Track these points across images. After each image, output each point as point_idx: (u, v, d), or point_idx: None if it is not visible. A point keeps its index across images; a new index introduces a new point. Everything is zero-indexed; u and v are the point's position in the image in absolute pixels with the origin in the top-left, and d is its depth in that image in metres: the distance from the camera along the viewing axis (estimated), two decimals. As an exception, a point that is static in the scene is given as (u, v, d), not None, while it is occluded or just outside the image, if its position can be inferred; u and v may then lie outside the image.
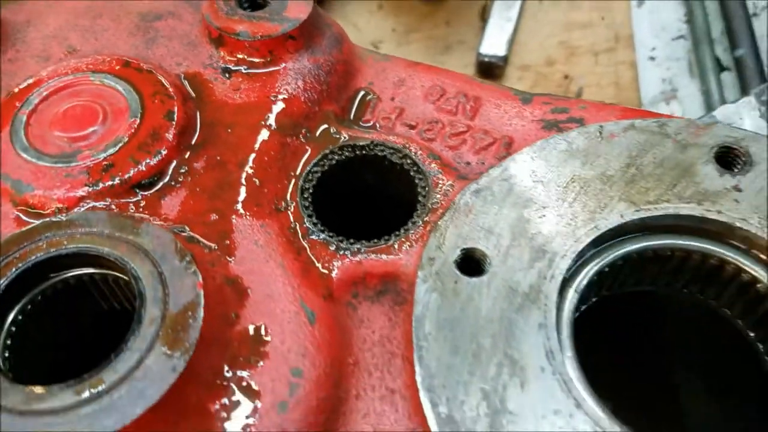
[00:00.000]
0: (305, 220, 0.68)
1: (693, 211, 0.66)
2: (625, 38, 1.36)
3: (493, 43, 1.33)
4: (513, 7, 1.39)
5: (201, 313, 0.53)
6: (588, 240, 0.65)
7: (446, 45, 1.40)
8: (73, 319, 0.61)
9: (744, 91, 1.20)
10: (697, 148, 0.70)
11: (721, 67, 1.28)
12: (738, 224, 0.65)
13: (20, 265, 0.56)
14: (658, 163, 0.69)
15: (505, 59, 1.34)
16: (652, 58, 1.32)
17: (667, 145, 0.70)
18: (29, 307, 0.57)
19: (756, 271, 0.65)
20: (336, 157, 0.72)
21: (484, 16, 1.41)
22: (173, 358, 0.51)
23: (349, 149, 0.73)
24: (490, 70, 1.33)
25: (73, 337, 0.61)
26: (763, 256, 0.64)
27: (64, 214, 0.60)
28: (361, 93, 0.80)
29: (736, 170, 0.69)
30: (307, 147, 0.72)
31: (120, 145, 0.67)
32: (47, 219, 0.59)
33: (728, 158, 0.69)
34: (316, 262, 0.65)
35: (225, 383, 0.53)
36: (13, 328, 0.57)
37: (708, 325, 0.76)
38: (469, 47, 1.38)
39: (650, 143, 0.71)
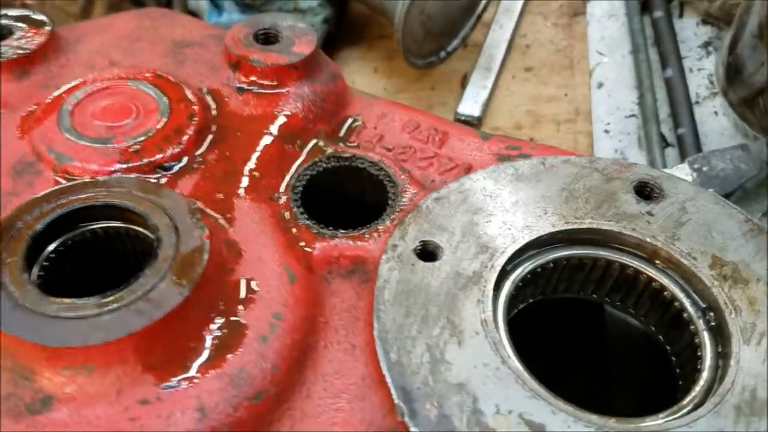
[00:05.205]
0: (294, 209, 0.82)
1: (612, 227, 0.80)
2: (584, 113, 1.55)
3: (470, 105, 1.52)
4: (489, 78, 1.60)
5: (206, 256, 0.66)
6: (524, 242, 0.78)
7: (429, 105, 1.58)
8: (91, 267, 0.73)
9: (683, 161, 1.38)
10: (620, 181, 0.85)
11: (666, 143, 1.47)
12: (648, 240, 0.79)
13: (59, 211, 0.69)
14: (587, 189, 0.84)
15: (479, 119, 1.52)
16: (607, 131, 1.51)
17: (595, 177, 0.85)
18: (61, 248, 0.70)
19: (662, 280, 0.79)
20: (323, 165, 0.87)
21: (464, 84, 1.61)
22: (181, 285, 0.63)
23: (335, 159, 0.88)
24: (465, 128, 1.52)
25: (89, 281, 0.73)
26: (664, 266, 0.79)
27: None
28: (350, 120, 0.96)
29: (650, 201, 0.84)
30: (300, 154, 0.87)
31: (149, 134, 0.81)
32: (88, 179, 0.73)
33: (645, 191, 0.84)
34: (300, 240, 0.78)
35: (218, 315, 0.66)
36: (46, 263, 0.69)
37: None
38: (449, 108, 1.57)
39: (582, 174, 0.86)
